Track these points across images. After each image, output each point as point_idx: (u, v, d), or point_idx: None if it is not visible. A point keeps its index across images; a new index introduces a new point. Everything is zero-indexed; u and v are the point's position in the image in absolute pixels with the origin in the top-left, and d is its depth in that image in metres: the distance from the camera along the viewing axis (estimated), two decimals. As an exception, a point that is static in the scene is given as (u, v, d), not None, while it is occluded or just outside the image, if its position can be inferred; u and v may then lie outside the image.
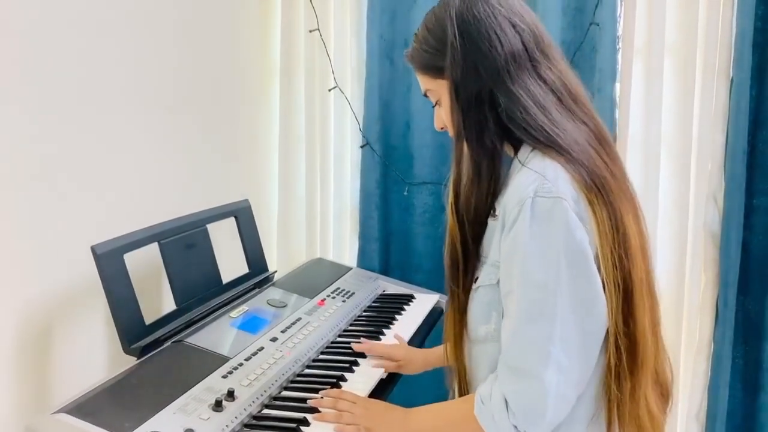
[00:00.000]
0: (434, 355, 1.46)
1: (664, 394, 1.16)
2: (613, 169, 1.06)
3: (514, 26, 1.05)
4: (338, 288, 1.82)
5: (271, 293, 1.71)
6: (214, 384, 1.23)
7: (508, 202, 1.03)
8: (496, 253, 1.05)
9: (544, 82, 1.05)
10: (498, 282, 1.05)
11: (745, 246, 1.84)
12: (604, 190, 1.01)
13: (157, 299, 1.65)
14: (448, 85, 1.07)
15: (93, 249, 1.29)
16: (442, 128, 1.16)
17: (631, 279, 1.02)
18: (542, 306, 0.98)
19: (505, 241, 1.02)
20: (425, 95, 1.16)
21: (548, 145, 1.03)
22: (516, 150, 1.08)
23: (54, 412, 1.06)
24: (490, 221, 1.08)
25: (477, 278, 1.10)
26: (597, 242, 0.99)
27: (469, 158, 1.08)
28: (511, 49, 1.04)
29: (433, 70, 1.09)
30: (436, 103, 1.14)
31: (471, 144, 1.07)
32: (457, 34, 1.04)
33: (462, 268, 1.10)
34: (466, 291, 1.10)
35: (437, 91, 1.11)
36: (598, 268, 0.99)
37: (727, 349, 1.86)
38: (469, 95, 1.05)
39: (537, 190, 0.99)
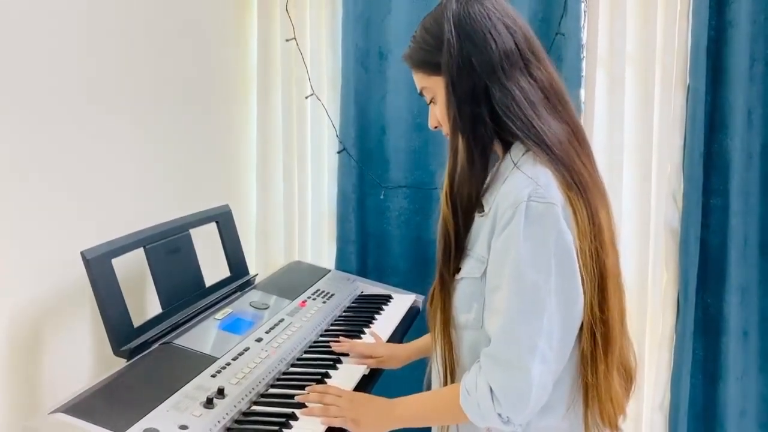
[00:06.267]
0: (413, 349, 1.53)
1: (628, 379, 1.24)
2: (589, 167, 1.14)
3: (507, 27, 1.12)
4: (318, 290, 1.87)
5: (253, 296, 1.76)
6: (204, 383, 1.27)
7: (500, 203, 1.08)
8: (482, 248, 1.12)
9: (535, 80, 1.12)
10: (481, 276, 1.11)
11: (703, 243, 1.95)
12: (582, 188, 1.09)
13: (141, 303, 1.69)
14: (444, 80, 1.12)
15: (83, 254, 1.33)
16: (435, 127, 1.21)
17: (605, 268, 1.10)
18: (533, 304, 1.05)
19: (497, 241, 1.08)
20: (421, 94, 1.20)
21: (535, 141, 1.09)
22: (506, 149, 1.14)
23: (51, 412, 1.10)
24: (478, 217, 1.15)
25: (460, 269, 1.16)
26: (577, 239, 1.07)
27: (464, 150, 1.13)
28: (504, 47, 1.10)
29: (430, 66, 1.15)
30: (430, 101, 1.19)
31: (466, 136, 1.12)
32: (453, 32, 1.10)
33: (453, 253, 1.16)
34: (453, 275, 1.16)
35: (432, 88, 1.16)
36: (577, 263, 1.07)
37: (688, 341, 1.96)
38: (464, 89, 1.11)
39: (531, 195, 1.05)
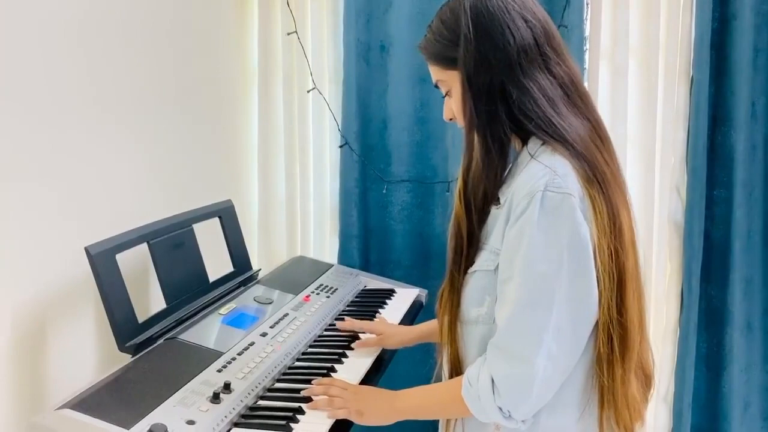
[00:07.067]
0: (414, 332, 1.53)
1: (647, 383, 1.20)
2: (611, 165, 1.10)
3: (526, 21, 1.08)
4: (321, 284, 1.87)
5: (257, 290, 1.75)
6: (210, 378, 1.27)
7: (516, 192, 1.06)
8: (496, 240, 1.10)
9: (553, 76, 1.09)
10: (495, 268, 1.09)
11: (706, 235, 1.95)
12: (604, 184, 1.06)
13: (145, 299, 1.68)
14: (460, 75, 1.10)
15: (87, 250, 1.32)
16: (450, 119, 1.18)
17: (624, 269, 1.07)
18: (541, 295, 1.03)
19: (511, 230, 1.05)
20: (436, 86, 1.18)
21: (555, 138, 1.06)
22: (524, 143, 1.12)
23: (57, 408, 1.10)
24: (493, 209, 1.12)
25: (473, 262, 1.14)
26: (595, 235, 1.03)
27: (480, 147, 1.11)
28: (522, 43, 1.07)
29: (446, 60, 1.12)
30: (446, 93, 1.17)
31: (482, 133, 1.10)
32: (470, 26, 1.07)
33: (464, 252, 1.14)
34: (464, 274, 1.15)
35: (448, 81, 1.14)
36: (595, 260, 1.04)
37: (692, 334, 1.96)
38: (480, 86, 1.08)
39: (547, 185, 1.03)
